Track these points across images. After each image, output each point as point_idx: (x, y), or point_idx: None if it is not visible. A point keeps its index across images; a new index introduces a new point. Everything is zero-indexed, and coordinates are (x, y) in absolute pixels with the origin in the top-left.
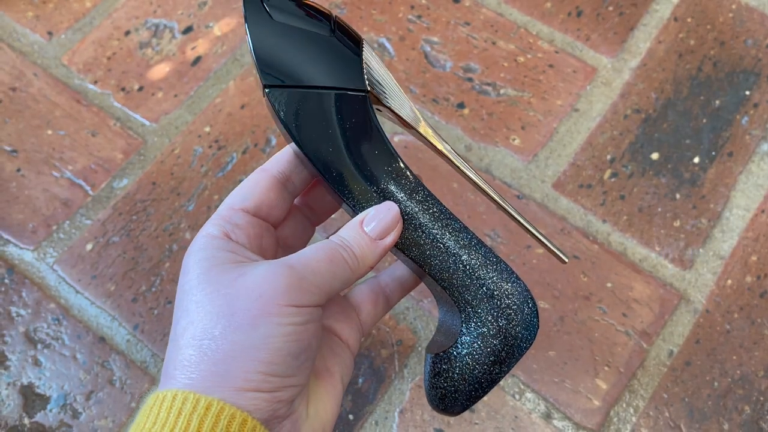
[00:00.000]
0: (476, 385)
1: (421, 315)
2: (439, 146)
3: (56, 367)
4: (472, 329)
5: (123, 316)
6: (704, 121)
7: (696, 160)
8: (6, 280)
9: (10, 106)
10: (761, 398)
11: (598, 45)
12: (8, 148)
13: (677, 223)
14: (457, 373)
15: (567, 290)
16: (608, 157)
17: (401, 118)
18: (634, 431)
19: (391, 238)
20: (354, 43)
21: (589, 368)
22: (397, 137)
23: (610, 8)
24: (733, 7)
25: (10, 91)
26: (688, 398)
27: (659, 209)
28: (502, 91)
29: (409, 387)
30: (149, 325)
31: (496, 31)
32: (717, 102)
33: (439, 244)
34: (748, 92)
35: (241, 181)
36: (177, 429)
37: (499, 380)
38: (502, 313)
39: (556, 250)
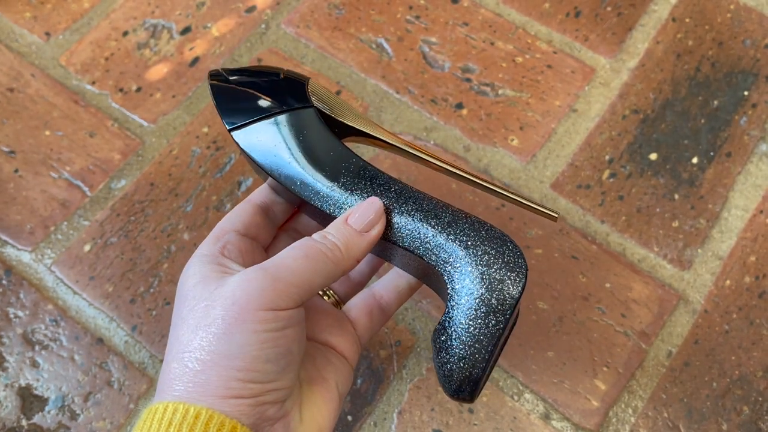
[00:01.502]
0: (477, 345)
1: (420, 316)
2: (393, 141)
3: (54, 369)
4: (456, 286)
5: (121, 317)
6: (702, 121)
7: (694, 160)
8: (4, 282)
9: (7, 106)
10: (760, 398)
11: (597, 45)
12: (6, 149)
13: (676, 224)
14: (454, 339)
15: (566, 291)
16: (607, 157)
17: (355, 129)
18: None
19: (376, 231)
20: (299, 80)
21: (588, 369)
22: None
23: (609, 9)
24: (732, 7)
25: (7, 91)
26: (687, 399)
27: (658, 210)
28: (500, 92)
29: (407, 388)
30: (147, 326)
31: (494, 31)
32: (715, 102)
33: (406, 216)
34: (746, 92)
35: (239, 181)
36: None
37: (499, 334)
38: (480, 260)
39: (543, 209)
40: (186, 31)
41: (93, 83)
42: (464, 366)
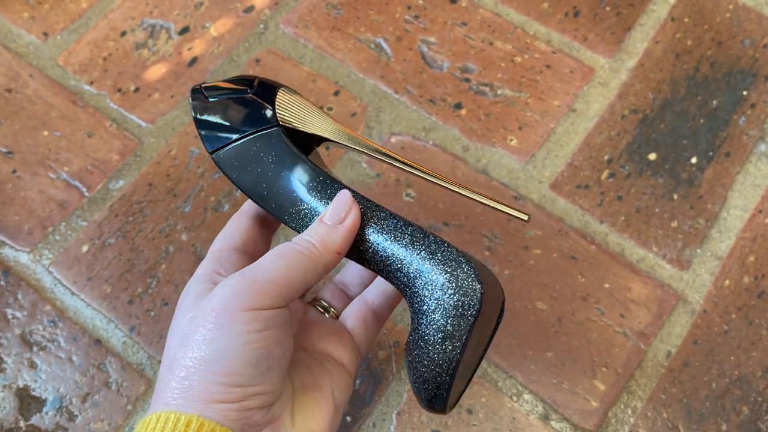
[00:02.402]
0: (437, 369)
1: None
2: (359, 147)
3: (52, 370)
4: (417, 310)
5: (119, 318)
6: (701, 121)
7: (693, 160)
8: (1, 282)
9: (5, 107)
10: (759, 399)
11: (596, 45)
12: (4, 150)
13: (675, 224)
14: (417, 361)
15: (565, 291)
16: (606, 157)
17: (327, 138)
18: None
19: (350, 220)
20: (270, 91)
21: (587, 369)
22: (394, 138)
23: (608, 8)
24: (730, 7)
25: (5, 92)
26: (686, 399)
27: (657, 210)
28: (499, 92)
29: (406, 389)
30: (145, 327)
31: (493, 31)
32: (714, 102)
33: (367, 236)
34: (745, 92)
35: None
36: None
37: (457, 358)
38: (435, 286)
39: (512, 212)
40: (184, 31)
41: (91, 83)
42: (429, 387)
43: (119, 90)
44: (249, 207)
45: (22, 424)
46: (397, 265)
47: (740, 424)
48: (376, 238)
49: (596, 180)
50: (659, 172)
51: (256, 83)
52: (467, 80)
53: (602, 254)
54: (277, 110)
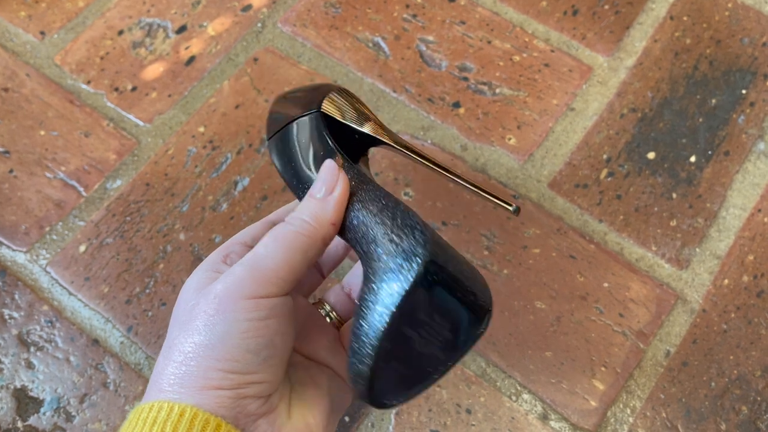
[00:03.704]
0: (359, 382)
1: None
2: (395, 144)
3: (49, 370)
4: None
5: (117, 318)
6: (700, 120)
7: (692, 159)
8: None
9: (2, 106)
10: (758, 398)
11: (594, 44)
12: (1, 149)
13: (674, 223)
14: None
15: (563, 290)
16: (604, 156)
17: (364, 133)
18: None
19: (339, 190)
20: (325, 92)
21: (586, 369)
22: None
23: (606, 7)
24: (729, 5)
25: (2, 91)
26: (685, 398)
27: (656, 209)
28: (497, 91)
29: None
30: (143, 327)
31: (491, 30)
32: (713, 101)
33: (350, 214)
34: (744, 91)
35: (236, 181)
36: None
37: (368, 375)
38: (370, 289)
39: (500, 202)
40: (182, 30)
41: (88, 83)
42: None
43: (116, 89)
44: (271, 216)
45: (19, 424)
46: (362, 248)
47: (739, 424)
48: (356, 217)
49: (595, 179)
50: (658, 171)
51: (317, 91)
52: (466, 79)
53: (601, 253)
54: (324, 101)
